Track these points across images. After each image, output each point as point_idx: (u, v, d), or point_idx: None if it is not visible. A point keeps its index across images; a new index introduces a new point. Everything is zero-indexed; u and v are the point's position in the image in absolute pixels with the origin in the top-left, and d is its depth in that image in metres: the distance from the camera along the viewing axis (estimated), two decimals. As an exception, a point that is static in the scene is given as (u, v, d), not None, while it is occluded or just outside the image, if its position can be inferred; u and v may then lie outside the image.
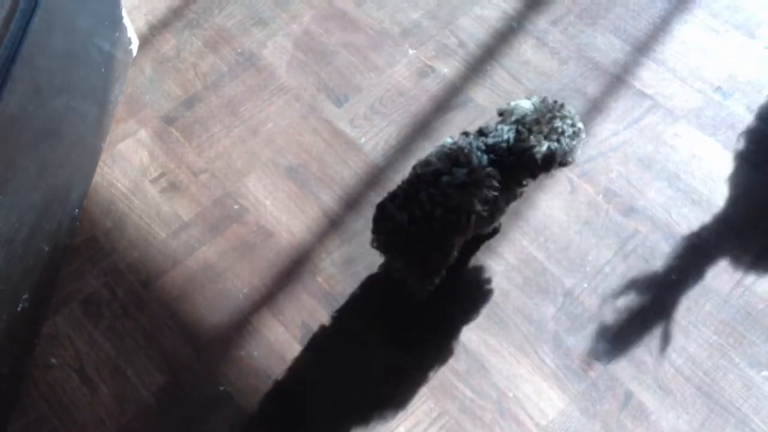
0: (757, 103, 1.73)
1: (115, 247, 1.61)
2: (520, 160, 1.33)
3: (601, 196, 1.64)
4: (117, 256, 1.60)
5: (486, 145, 1.34)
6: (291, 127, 1.77)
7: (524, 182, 1.38)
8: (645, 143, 1.69)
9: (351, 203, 1.66)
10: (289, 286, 1.56)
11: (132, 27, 1.83)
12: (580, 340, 1.50)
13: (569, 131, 1.33)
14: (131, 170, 1.71)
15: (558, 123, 1.32)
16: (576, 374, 1.47)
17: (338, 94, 1.80)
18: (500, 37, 1.86)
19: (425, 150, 1.65)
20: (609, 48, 1.82)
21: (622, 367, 1.48)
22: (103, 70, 1.69)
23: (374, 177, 1.69)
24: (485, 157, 1.33)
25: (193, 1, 1.95)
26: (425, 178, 1.31)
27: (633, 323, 1.51)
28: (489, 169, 1.32)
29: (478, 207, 1.31)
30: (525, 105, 1.36)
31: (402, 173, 1.67)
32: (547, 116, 1.33)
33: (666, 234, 1.59)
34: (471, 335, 1.50)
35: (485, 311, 1.53)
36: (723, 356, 1.47)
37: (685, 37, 1.82)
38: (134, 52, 1.86)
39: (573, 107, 1.50)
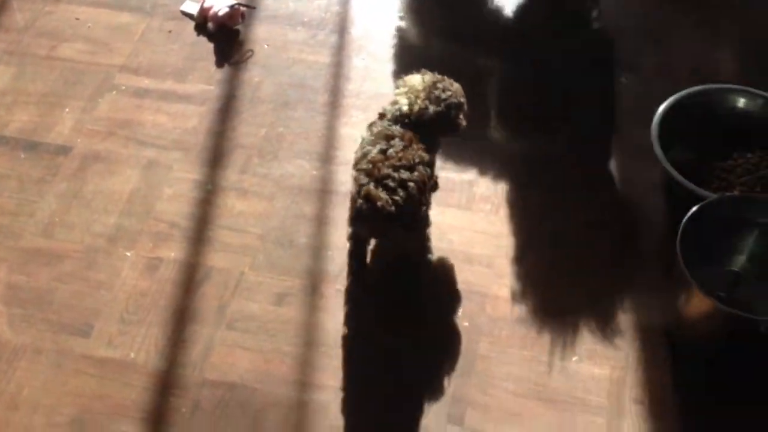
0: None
1: None
2: (417, 124, 1.63)
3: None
4: None
5: (393, 118, 1.65)
6: (50, 382, 1.60)
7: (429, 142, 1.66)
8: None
9: (158, 419, 1.55)
10: None
11: None
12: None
13: (451, 100, 1.66)
14: None
15: (439, 92, 1.66)
16: None
17: (79, 326, 1.68)
18: (204, 203, 1.90)
19: (196, 333, 1.63)
20: (301, 170, 1.95)
21: (478, 418, 1.57)
22: None
23: (165, 381, 1.60)
24: (396, 126, 1.64)
25: None
26: (376, 158, 1.56)
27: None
28: (408, 132, 1.62)
29: (427, 157, 1.60)
30: (415, 79, 1.69)
31: (188, 367, 1.61)
32: (433, 85, 1.67)
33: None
34: None
35: None
36: (538, 363, 1.64)
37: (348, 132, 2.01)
38: None
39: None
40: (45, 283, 1.76)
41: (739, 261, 1.69)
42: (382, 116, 1.69)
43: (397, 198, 1.54)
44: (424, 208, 1.64)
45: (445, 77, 1.71)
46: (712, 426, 1.57)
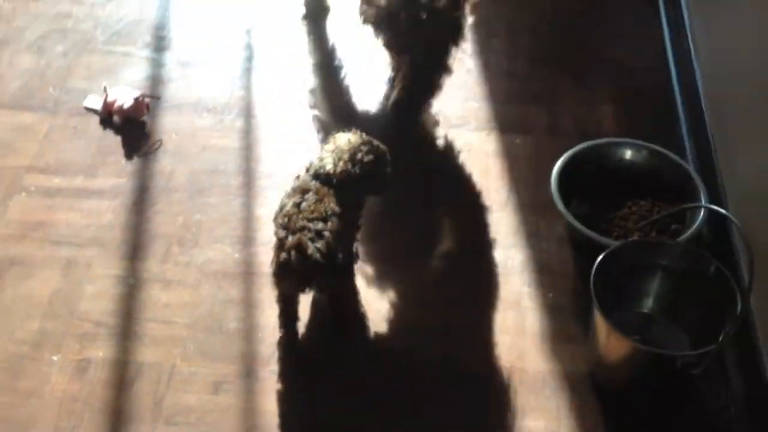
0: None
1: None
2: (339, 183, 1.72)
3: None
4: None
5: (315, 174, 1.74)
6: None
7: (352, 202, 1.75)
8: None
9: None
10: None
11: None
12: None
13: (372, 165, 1.76)
14: None
15: (362, 155, 1.75)
16: None
17: (14, 439, 1.64)
18: (128, 297, 1.89)
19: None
20: (223, 255, 1.98)
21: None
22: None
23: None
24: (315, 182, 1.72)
25: None
26: (290, 211, 1.65)
27: None
28: (324, 187, 1.71)
29: (338, 210, 1.67)
30: (343, 139, 1.77)
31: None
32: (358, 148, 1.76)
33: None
34: None
35: None
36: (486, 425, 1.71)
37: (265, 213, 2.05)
38: None
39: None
40: (-30, 401, 1.71)
41: (648, 303, 1.82)
42: (307, 170, 1.77)
43: (318, 246, 1.62)
44: (340, 255, 1.69)
45: (373, 140, 1.80)
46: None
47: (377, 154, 1.79)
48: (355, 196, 1.78)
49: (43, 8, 2.62)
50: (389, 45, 2.14)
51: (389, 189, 1.84)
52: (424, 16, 1.98)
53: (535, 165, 2.20)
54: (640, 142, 2.10)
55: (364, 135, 1.81)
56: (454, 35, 2.12)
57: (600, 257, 1.72)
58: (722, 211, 1.79)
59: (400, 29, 2.03)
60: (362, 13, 2.09)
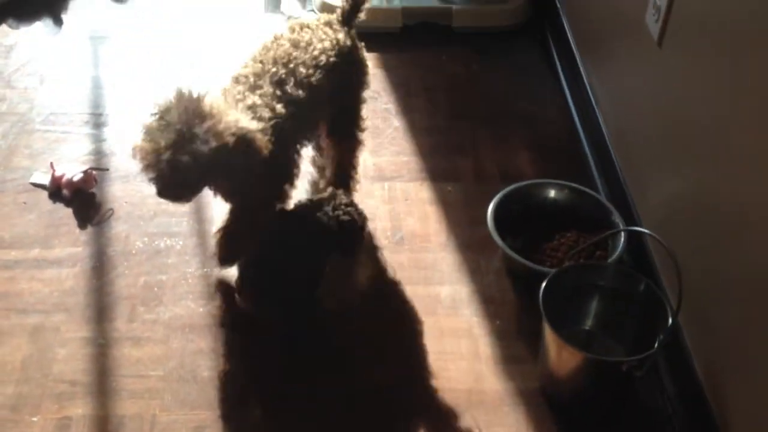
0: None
1: None
2: None
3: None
4: None
5: None
6: None
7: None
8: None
9: None
10: None
11: None
12: None
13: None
14: None
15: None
16: None
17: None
18: (100, 356, 1.95)
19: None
20: (188, 310, 2.07)
21: None
22: None
23: None
24: None
25: None
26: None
27: None
28: None
29: None
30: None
31: None
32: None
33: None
34: None
35: None
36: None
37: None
38: None
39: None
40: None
41: (588, 321, 2.02)
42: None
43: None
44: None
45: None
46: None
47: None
48: None
49: (-23, 92, 2.68)
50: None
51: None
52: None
53: (466, 208, 2.41)
54: (562, 182, 2.34)
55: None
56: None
57: (545, 281, 1.90)
58: (645, 230, 2.01)
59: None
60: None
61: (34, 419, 1.81)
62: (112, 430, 1.81)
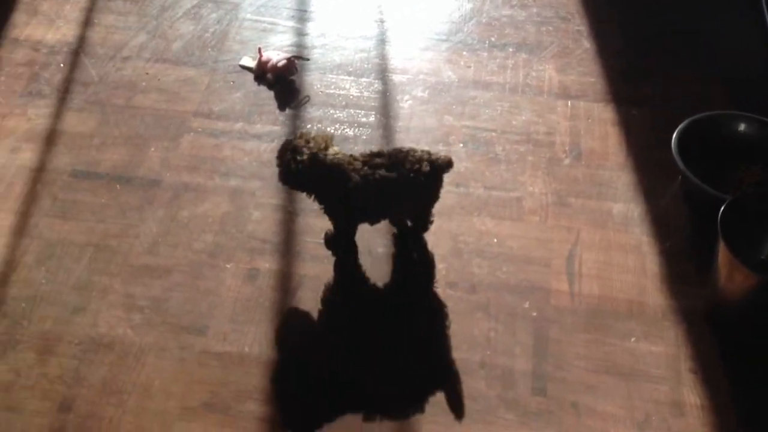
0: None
1: None
2: None
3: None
4: None
5: None
6: (178, 373, 1.80)
7: None
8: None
9: (275, 399, 1.77)
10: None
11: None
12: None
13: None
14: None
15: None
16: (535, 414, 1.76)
17: (197, 327, 1.89)
18: (288, 222, 2.13)
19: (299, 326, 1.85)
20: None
21: (559, 389, 1.81)
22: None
23: (278, 367, 1.83)
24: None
25: (-10, 326, 1.86)
26: None
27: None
28: None
29: None
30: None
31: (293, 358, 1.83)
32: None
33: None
34: None
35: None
36: (602, 344, 1.89)
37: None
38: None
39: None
40: (159, 292, 1.96)
41: (765, 251, 1.98)
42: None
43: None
44: None
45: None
46: (760, 390, 1.83)
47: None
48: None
49: (197, -19, 2.91)
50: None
51: None
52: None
53: (650, 132, 2.39)
54: (753, 115, 2.27)
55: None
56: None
57: (726, 203, 1.88)
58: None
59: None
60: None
61: (228, 266, 2.03)
62: (294, 285, 1.99)
